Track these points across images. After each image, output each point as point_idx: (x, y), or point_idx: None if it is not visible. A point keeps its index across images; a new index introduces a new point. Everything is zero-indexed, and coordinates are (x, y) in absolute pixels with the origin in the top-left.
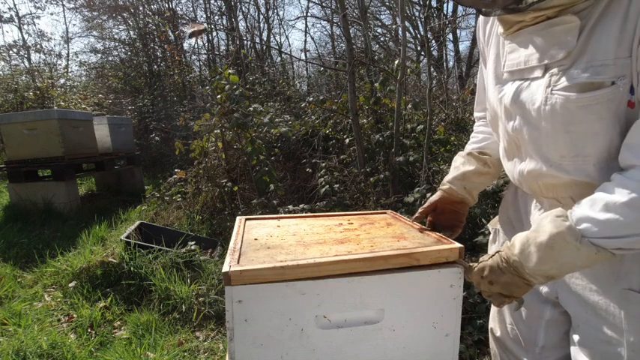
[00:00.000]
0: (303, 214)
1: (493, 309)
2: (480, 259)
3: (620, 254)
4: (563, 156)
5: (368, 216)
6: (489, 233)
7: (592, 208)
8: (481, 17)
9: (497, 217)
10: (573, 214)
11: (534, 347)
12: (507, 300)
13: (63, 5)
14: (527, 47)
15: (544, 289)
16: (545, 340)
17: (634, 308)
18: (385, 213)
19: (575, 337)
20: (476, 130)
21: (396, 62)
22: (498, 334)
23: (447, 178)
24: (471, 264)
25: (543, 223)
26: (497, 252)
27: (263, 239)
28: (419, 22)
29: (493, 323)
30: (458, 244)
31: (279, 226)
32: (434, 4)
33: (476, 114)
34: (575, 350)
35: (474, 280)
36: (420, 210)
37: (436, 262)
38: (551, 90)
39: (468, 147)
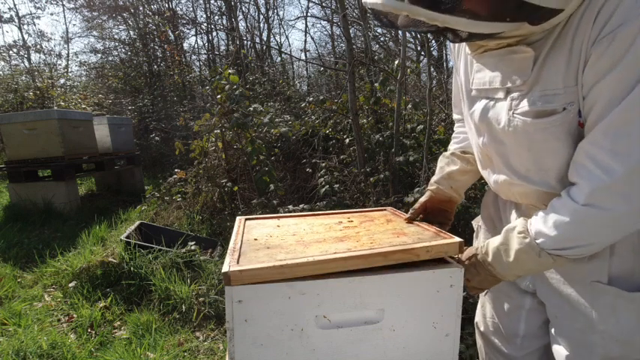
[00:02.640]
0: (303, 213)
1: (478, 305)
2: (463, 256)
3: (574, 258)
4: (529, 169)
5: (368, 213)
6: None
7: (545, 225)
8: None
9: (480, 215)
10: (532, 229)
11: (515, 338)
12: (481, 291)
13: (63, 5)
14: (491, 69)
15: (523, 282)
16: (526, 330)
17: (602, 299)
18: (385, 210)
19: (553, 328)
20: (456, 131)
21: (396, 62)
22: (482, 328)
23: (434, 179)
24: (457, 256)
25: (510, 237)
26: (475, 255)
27: (263, 239)
28: None
29: (477, 318)
30: (457, 239)
31: (279, 226)
32: None
33: (454, 116)
34: (553, 339)
35: None
36: (411, 211)
37: (436, 256)
38: (513, 113)
39: (451, 147)
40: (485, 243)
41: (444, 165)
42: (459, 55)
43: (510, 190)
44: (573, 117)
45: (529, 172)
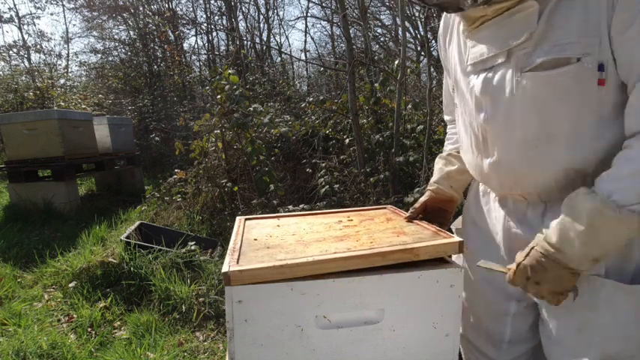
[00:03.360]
0: (303, 213)
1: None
2: (516, 259)
3: None
4: (537, 138)
5: (367, 212)
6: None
7: (618, 178)
8: (441, 26)
9: (460, 218)
10: (601, 188)
11: (501, 343)
12: (562, 296)
13: (63, 5)
14: (488, 41)
15: (510, 287)
16: (512, 335)
17: (600, 293)
18: (385, 208)
19: (547, 329)
20: (450, 132)
21: (396, 62)
22: (466, 334)
23: (433, 179)
24: (508, 267)
25: (574, 204)
26: (532, 248)
27: (263, 239)
28: (419, 22)
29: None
30: (457, 238)
31: (278, 226)
32: None
33: (446, 117)
34: (547, 341)
35: (518, 284)
36: (411, 210)
37: (436, 256)
38: (520, 73)
39: (446, 148)
40: (544, 230)
41: (442, 166)
42: (450, 42)
43: (508, 174)
44: (590, 72)
45: (537, 142)
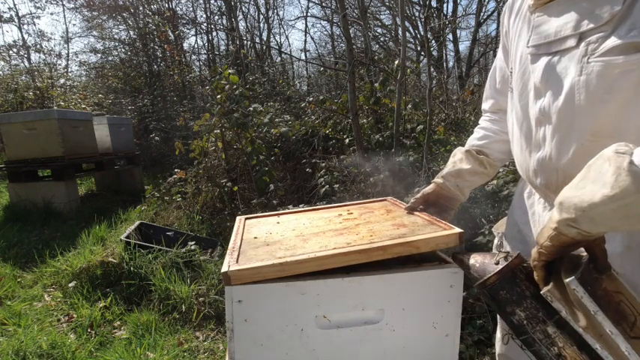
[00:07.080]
0: (304, 209)
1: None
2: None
3: None
4: (597, 133)
5: (367, 204)
6: (489, 233)
7: None
8: (509, 1)
9: (502, 220)
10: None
11: None
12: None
13: (63, 5)
14: (560, 16)
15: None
16: None
17: None
18: (385, 200)
19: None
20: (480, 125)
21: (396, 62)
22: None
23: (443, 172)
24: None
25: (598, 162)
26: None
27: (262, 237)
28: (419, 22)
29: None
30: (457, 230)
31: (278, 223)
32: (434, 4)
33: (484, 105)
34: None
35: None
36: (412, 201)
37: (436, 248)
38: (588, 59)
39: (469, 142)
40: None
41: (457, 160)
42: (516, 18)
43: (557, 171)
44: None
45: (596, 138)
